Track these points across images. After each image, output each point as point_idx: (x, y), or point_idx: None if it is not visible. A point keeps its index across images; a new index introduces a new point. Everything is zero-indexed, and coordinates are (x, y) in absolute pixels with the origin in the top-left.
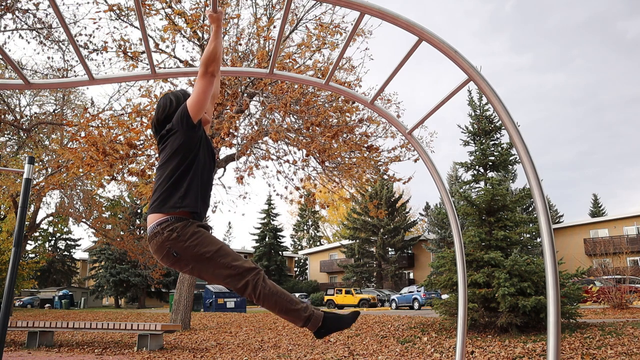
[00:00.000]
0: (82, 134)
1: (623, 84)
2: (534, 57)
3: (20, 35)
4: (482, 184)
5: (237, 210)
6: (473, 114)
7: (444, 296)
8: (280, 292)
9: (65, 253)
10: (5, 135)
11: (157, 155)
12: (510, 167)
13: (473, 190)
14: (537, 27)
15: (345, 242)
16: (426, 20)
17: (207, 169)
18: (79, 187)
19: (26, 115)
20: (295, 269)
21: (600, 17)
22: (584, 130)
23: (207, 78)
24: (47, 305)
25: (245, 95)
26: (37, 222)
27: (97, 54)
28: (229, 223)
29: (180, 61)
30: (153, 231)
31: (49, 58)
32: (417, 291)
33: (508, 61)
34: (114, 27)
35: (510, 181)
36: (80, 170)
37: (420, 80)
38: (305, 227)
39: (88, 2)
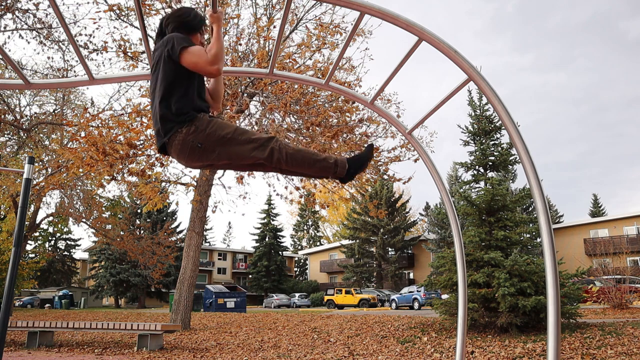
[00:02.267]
0: (82, 134)
1: (624, 84)
2: (536, 57)
3: (20, 35)
4: (482, 184)
5: (237, 210)
6: (473, 114)
7: (444, 296)
8: (302, 149)
9: (65, 253)
10: (5, 135)
11: (156, 155)
12: (510, 167)
13: (473, 190)
14: (539, 27)
15: (345, 242)
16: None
17: (202, 78)
18: (79, 187)
19: (26, 115)
20: (295, 269)
21: (602, 17)
22: (585, 130)
23: (208, 69)
24: (47, 305)
25: (245, 95)
26: (37, 222)
27: (97, 54)
28: (229, 223)
29: None
30: (172, 135)
31: (49, 58)
32: (417, 291)
33: (510, 61)
34: (114, 27)
35: (510, 181)
36: (80, 170)
37: (421, 81)
38: (305, 227)
39: (88, 2)
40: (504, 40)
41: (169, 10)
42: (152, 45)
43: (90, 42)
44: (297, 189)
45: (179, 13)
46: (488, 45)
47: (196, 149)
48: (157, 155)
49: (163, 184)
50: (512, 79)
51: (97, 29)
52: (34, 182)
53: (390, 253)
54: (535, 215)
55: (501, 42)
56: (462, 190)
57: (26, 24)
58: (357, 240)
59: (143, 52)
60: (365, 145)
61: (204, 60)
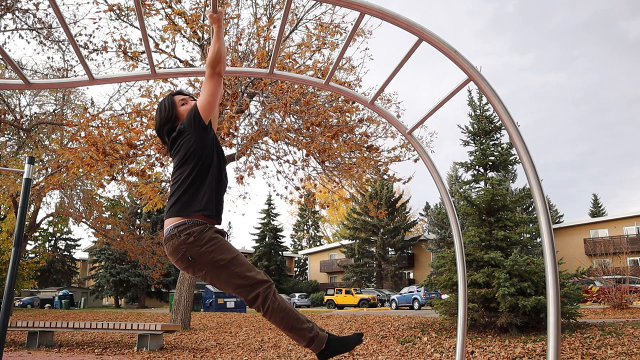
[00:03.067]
0: (82, 134)
1: (625, 84)
2: (536, 57)
3: (20, 35)
4: (482, 184)
5: (237, 210)
6: (473, 114)
7: (444, 296)
8: (288, 309)
9: (65, 253)
10: (5, 135)
11: (156, 155)
12: (510, 167)
13: (473, 190)
14: (540, 27)
15: (345, 242)
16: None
17: (221, 170)
18: (79, 187)
19: (26, 115)
20: (295, 269)
21: (602, 17)
22: (585, 130)
23: (215, 79)
24: (47, 305)
25: (245, 95)
26: (37, 222)
27: (97, 54)
28: (229, 223)
29: (180, 61)
30: (170, 233)
31: (49, 58)
32: (417, 291)
33: (510, 61)
34: (114, 27)
35: (510, 181)
36: (80, 170)
37: (421, 81)
38: (305, 227)
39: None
40: (504, 40)
41: (168, 10)
42: (152, 46)
43: (90, 42)
44: (297, 189)
45: (162, 115)
46: (488, 45)
47: (186, 260)
48: (157, 155)
49: (163, 184)
50: (512, 79)
51: (97, 29)
52: (34, 182)
53: (390, 253)
54: (535, 215)
55: (501, 42)
56: (462, 190)
57: (26, 24)
58: (357, 240)
59: (143, 52)
60: (354, 334)
61: (206, 78)
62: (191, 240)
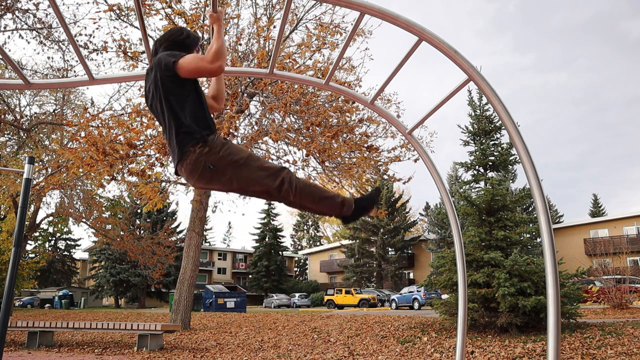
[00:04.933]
0: (82, 134)
1: (625, 84)
2: (537, 57)
3: (20, 35)
4: (482, 184)
5: (237, 210)
6: (473, 114)
7: (444, 296)
8: (313, 184)
9: (65, 253)
10: (5, 135)
11: (156, 155)
12: (510, 167)
13: (473, 190)
14: (540, 27)
15: (345, 242)
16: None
17: (201, 89)
18: (79, 187)
19: (26, 115)
20: (295, 269)
21: (603, 17)
22: (585, 130)
23: (210, 67)
24: (47, 305)
25: (245, 95)
26: (37, 222)
27: (97, 54)
28: (229, 223)
29: None
30: (185, 153)
31: (49, 58)
32: (417, 291)
33: (511, 61)
34: (114, 27)
35: (510, 181)
36: (80, 170)
37: (421, 81)
38: (305, 227)
39: (88, 2)
40: (505, 40)
41: (168, 10)
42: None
43: (90, 42)
44: None
45: (169, 34)
46: (489, 45)
47: (207, 171)
48: (157, 155)
49: (163, 184)
50: (512, 78)
51: (97, 29)
52: (34, 182)
53: (390, 253)
54: (535, 215)
55: (502, 42)
56: (462, 190)
57: (26, 24)
58: (357, 240)
59: (143, 52)
60: (372, 189)
61: (204, 60)
62: (207, 150)
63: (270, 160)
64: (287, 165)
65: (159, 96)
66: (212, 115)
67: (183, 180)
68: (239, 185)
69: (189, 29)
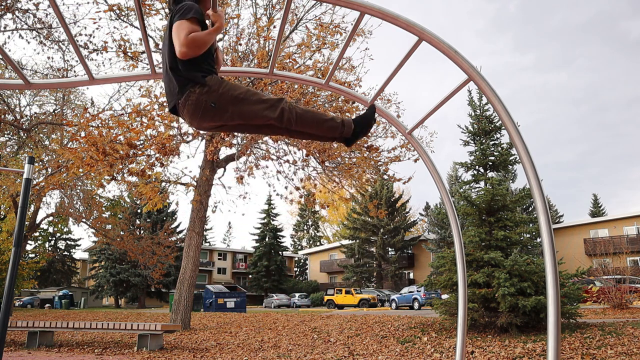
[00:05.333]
0: (82, 134)
1: (625, 84)
2: (537, 57)
3: (20, 35)
4: (482, 184)
5: (237, 210)
6: (473, 114)
7: (444, 296)
8: (311, 109)
9: (65, 253)
10: (5, 135)
11: (156, 155)
12: (510, 167)
13: (473, 190)
14: (540, 27)
15: (345, 242)
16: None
17: None
18: (79, 187)
19: (26, 115)
20: (295, 269)
21: (603, 17)
22: (585, 130)
23: (179, 48)
24: (47, 305)
25: None
26: (37, 222)
27: (97, 54)
28: (229, 223)
29: None
30: (185, 94)
31: (49, 58)
32: (417, 291)
33: (511, 61)
34: (114, 27)
35: (510, 181)
36: (80, 170)
37: (421, 81)
38: (305, 227)
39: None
40: (505, 40)
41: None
42: (152, 46)
43: (90, 42)
44: (297, 189)
45: None
46: (489, 45)
47: (209, 109)
48: (157, 155)
49: (163, 184)
50: (512, 78)
51: (97, 29)
52: (34, 182)
53: (390, 253)
54: (535, 215)
55: (502, 41)
56: (462, 190)
57: (26, 24)
58: (357, 240)
59: (143, 52)
60: (367, 109)
61: (179, 38)
62: (206, 89)
63: (268, 94)
64: (282, 97)
65: (167, 38)
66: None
67: (183, 180)
68: (241, 120)
69: None
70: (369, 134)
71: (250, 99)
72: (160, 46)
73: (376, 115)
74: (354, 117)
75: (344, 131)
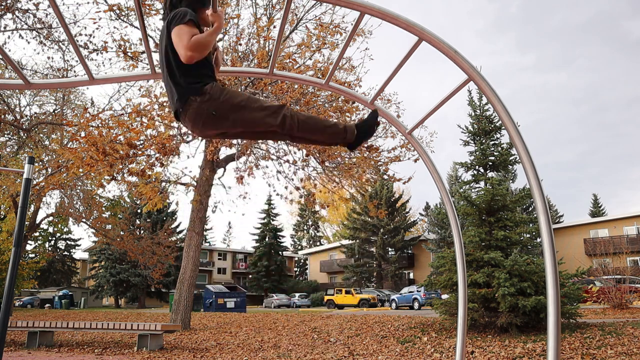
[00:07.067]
0: (82, 134)
1: (625, 84)
2: (537, 57)
3: (20, 35)
4: (482, 184)
5: (237, 210)
6: (473, 114)
7: (444, 296)
8: (313, 115)
9: (65, 253)
10: (5, 135)
11: (156, 155)
12: (510, 167)
13: (473, 190)
14: (541, 27)
15: (345, 242)
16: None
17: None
18: (79, 187)
19: (26, 115)
20: (295, 269)
21: (603, 17)
22: (585, 130)
23: (183, 51)
24: (47, 305)
25: None
26: (37, 222)
27: (97, 54)
28: (229, 223)
29: None
30: (187, 102)
31: (49, 58)
32: (417, 291)
33: (511, 61)
34: (114, 27)
35: (510, 181)
36: (80, 170)
37: (422, 81)
38: (305, 227)
39: (88, 2)
40: (506, 40)
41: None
42: (152, 46)
43: (90, 42)
44: (297, 189)
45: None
46: (490, 45)
47: (211, 117)
48: (157, 155)
49: (163, 184)
50: (513, 78)
51: (97, 29)
52: (34, 182)
53: (390, 253)
54: (535, 215)
55: (503, 41)
56: (462, 190)
57: (26, 24)
58: (357, 240)
59: (143, 52)
60: (369, 114)
61: (182, 42)
62: (207, 98)
63: (268, 100)
64: (284, 103)
65: (163, 45)
66: (212, 63)
67: (183, 180)
68: (243, 127)
69: None
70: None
71: (252, 106)
72: None
73: (379, 117)
74: (355, 118)
75: (346, 137)
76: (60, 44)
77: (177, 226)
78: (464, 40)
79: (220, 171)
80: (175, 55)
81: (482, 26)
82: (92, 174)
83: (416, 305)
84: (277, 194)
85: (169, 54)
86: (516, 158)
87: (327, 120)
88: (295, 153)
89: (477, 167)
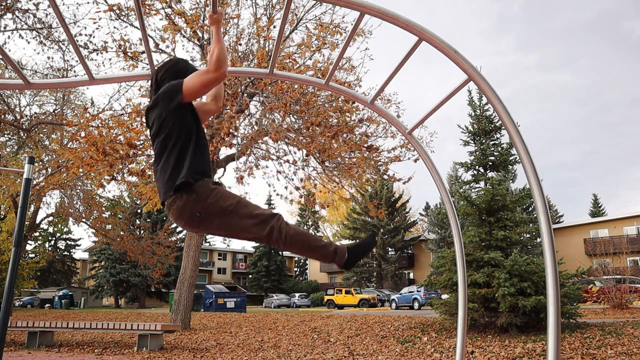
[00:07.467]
0: (82, 134)
1: (628, 84)
2: (540, 57)
3: (20, 35)
4: (482, 184)
5: None
6: (473, 114)
7: (444, 296)
8: (304, 232)
9: (65, 253)
10: (5, 135)
11: None
12: (510, 167)
13: (473, 190)
14: (544, 27)
15: (346, 242)
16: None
17: (200, 131)
18: (79, 187)
19: (26, 115)
20: (295, 269)
21: (606, 17)
22: (587, 130)
23: (216, 75)
24: (47, 305)
25: (245, 95)
26: (37, 222)
27: (97, 54)
28: None
29: None
30: (172, 198)
31: (49, 58)
32: (417, 291)
33: (515, 60)
34: (114, 27)
35: (510, 181)
36: (80, 170)
37: (423, 81)
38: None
39: (88, 2)
40: (509, 40)
41: (168, 10)
42: (152, 46)
43: (90, 42)
44: (297, 189)
45: (170, 64)
46: (493, 45)
47: (194, 218)
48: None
49: None
50: (516, 78)
51: (97, 29)
52: (34, 182)
53: (390, 253)
54: (535, 215)
55: (506, 41)
56: (462, 190)
57: (26, 24)
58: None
59: (143, 52)
60: (367, 236)
61: (208, 72)
62: (194, 197)
63: (260, 206)
64: (277, 213)
65: (157, 130)
66: (210, 160)
67: None
68: (228, 232)
69: (182, 58)
70: (371, 137)
71: (240, 212)
72: (160, 46)
73: (375, 238)
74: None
75: (335, 259)
76: (60, 44)
77: (177, 226)
78: (467, 40)
79: (220, 171)
80: (175, 142)
81: (485, 26)
82: (92, 174)
83: (416, 305)
84: (277, 194)
85: (166, 142)
86: (516, 158)
87: (317, 239)
88: (295, 153)
89: (477, 167)
